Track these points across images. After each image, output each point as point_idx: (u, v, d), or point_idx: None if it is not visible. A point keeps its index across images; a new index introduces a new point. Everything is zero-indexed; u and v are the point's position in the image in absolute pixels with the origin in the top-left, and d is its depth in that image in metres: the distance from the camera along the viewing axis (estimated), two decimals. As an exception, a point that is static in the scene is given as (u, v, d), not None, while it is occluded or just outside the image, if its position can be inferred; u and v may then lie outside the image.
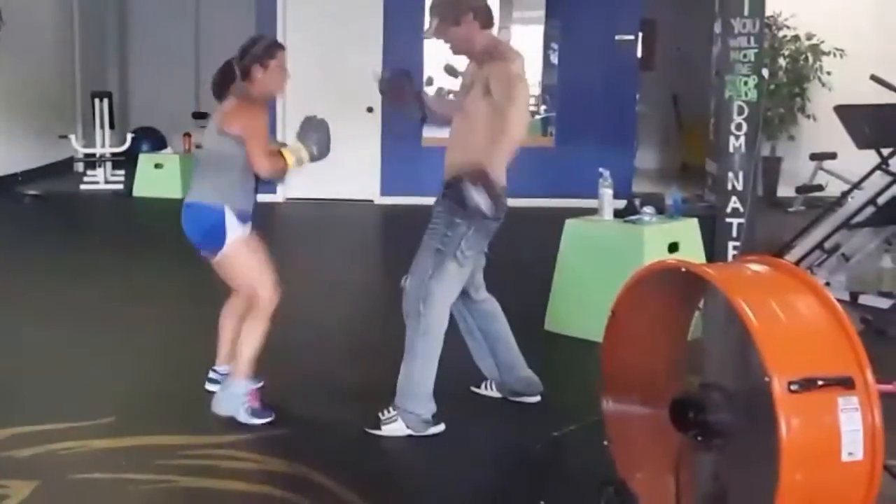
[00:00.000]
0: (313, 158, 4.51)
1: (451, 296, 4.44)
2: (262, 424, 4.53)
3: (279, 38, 10.75)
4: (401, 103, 4.78)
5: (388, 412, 4.45)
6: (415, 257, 4.50)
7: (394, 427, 4.44)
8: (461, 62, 4.71)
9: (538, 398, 4.87)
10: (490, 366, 4.88)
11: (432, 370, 4.44)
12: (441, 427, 4.48)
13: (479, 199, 4.07)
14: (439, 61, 9.45)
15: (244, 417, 4.55)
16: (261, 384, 4.64)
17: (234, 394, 4.58)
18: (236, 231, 4.53)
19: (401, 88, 4.78)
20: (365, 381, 4.66)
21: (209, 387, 4.89)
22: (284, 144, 4.81)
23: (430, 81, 11.57)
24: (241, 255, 4.58)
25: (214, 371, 4.93)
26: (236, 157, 4.48)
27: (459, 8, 4.38)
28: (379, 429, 4.45)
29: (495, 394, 4.94)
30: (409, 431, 4.43)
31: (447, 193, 4.36)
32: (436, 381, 4.48)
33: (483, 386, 4.98)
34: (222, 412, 4.59)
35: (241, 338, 4.61)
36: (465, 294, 4.69)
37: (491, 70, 4.35)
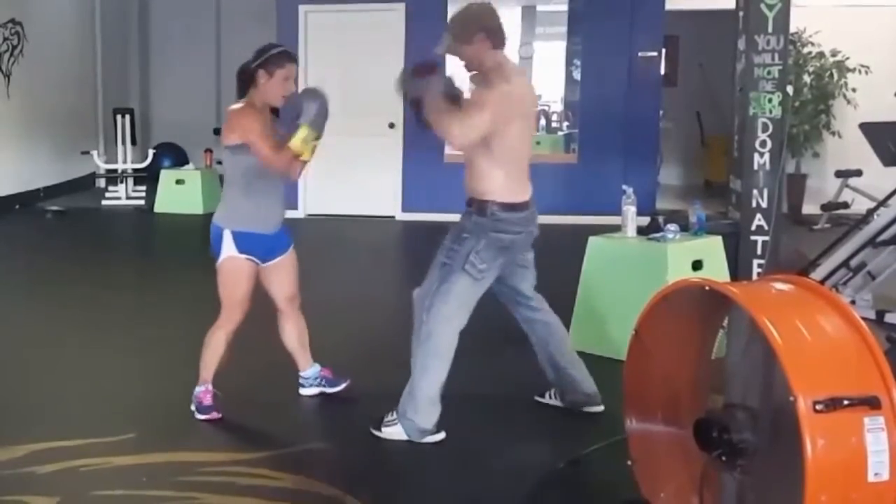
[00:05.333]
0: (318, 130, 4.44)
1: (458, 308, 4.48)
2: (285, 442, 4.56)
3: (300, 54, 10.70)
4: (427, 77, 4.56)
5: (392, 416, 4.56)
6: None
7: (393, 431, 4.54)
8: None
9: (602, 407, 4.88)
10: (551, 375, 4.95)
11: (436, 380, 4.49)
12: (441, 436, 4.53)
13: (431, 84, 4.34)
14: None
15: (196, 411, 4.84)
16: (345, 384, 5.15)
17: (195, 391, 4.85)
18: (229, 252, 4.67)
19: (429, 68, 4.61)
20: (387, 395, 4.64)
21: (302, 391, 5.19)
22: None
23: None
24: (223, 275, 4.73)
25: (301, 377, 5.19)
26: (235, 169, 4.63)
27: (472, 28, 4.47)
28: (380, 430, 4.56)
29: (557, 402, 4.99)
30: (406, 437, 4.52)
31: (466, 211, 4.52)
32: (469, 399, 4.54)
33: (547, 395, 5.05)
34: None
35: (206, 342, 4.83)
36: (520, 305, 4.83)
37: (474, 93, 4.50)
